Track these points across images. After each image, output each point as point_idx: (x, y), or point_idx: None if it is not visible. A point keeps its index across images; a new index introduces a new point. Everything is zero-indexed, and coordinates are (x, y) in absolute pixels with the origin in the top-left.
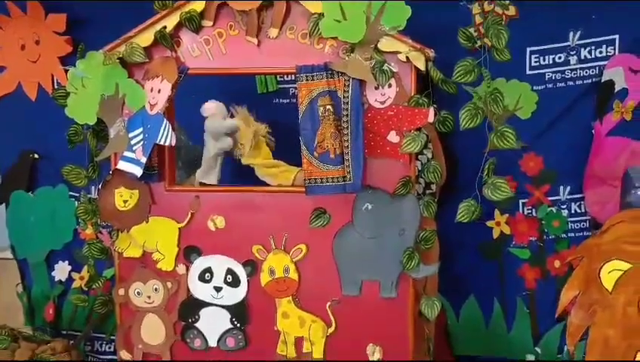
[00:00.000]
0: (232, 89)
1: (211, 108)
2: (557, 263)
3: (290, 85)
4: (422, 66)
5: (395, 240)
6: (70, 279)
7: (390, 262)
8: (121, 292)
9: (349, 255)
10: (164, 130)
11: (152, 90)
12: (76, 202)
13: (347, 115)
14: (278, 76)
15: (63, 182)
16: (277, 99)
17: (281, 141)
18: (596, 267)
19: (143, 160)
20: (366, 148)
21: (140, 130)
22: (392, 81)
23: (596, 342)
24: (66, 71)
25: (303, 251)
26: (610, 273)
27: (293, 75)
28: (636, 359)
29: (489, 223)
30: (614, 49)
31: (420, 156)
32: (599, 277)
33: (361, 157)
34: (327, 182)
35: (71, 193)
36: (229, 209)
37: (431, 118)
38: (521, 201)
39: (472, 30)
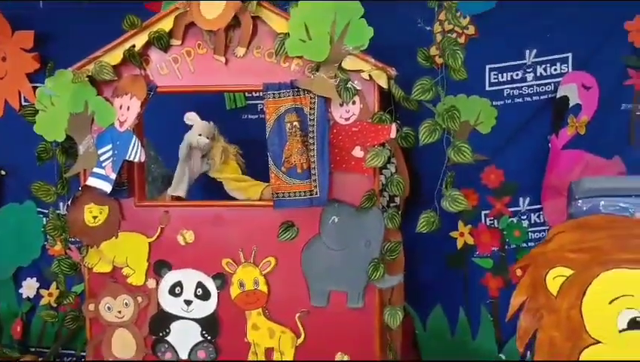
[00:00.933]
0: (201, 105)
1: (193, 118)
2: (519, 272)
3: (259, 101)
4: (384, 84)
5: (361, 252)
6: (38, 296)
7: (357, 273)
8: (92, 307)
9: (317, 267)
10: (133, 146)
11: (121, 107)
12: (44, 218)
13: (313, 131)
14: (246, 93)
15: (30, 199)
16: (246, 115)
17: (251, 156)
18: (542, 274)
19: (113, 176)
20: (332, 163)
21: (110, 146)
22: (356, 99)
23: (543, 343)
24: (34, 88)
25: (271, 264)
26: (555, 279)
27: (261, 92)
28: (580, 359)
29: (453, 234)
30: (567, 66)
31: (383, 170)
32: (545, 283)
33: (327, 171)
34: (295, 196)
35: (39, 209)
36: (199, 223)
37: (393, 134)
38: (483, 213)
39: (434, 49)
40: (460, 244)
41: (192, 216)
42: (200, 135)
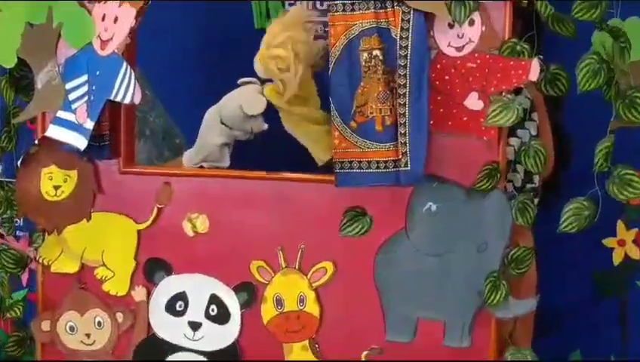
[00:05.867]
0: (218, 23)
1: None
2: None
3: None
4: None
5: (470, 261)
6: None
7: (461, 294)
8: (46, 326)
9: (399, 280)
10: (123, 78)
11: (103, 18)
12: None
13: (405, 67)
14: (287, 2)
15: None
16: None
17: None
18: None
19: (89, 125)
20: (432, 117)
21: (84, 78)
22: (476, 16)
23: None
24: None
25: (328, 272)
26: None
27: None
28: None
29: (607, 242)
30: None
31: (518, 132)
32: None
33: (425, 131)
34: (371, 167)
35: None
36: (217, 204)
37: (534, 75)
38: None
39: None
40: (617, 258)
41: (208, 191)
42: (252, 116)
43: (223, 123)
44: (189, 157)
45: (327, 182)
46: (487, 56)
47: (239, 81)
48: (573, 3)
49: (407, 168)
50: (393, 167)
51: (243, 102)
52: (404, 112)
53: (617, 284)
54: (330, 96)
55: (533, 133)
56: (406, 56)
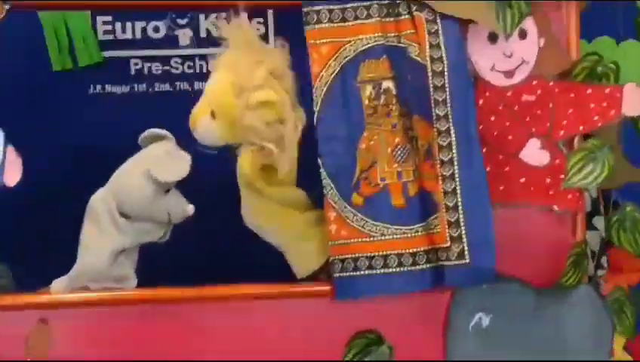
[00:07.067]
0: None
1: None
2: None
3: (136, 52)
4: None
5: None
6: None
7: None
8: None
9: None
10: None
11: None
12: None
13: (445, 103)
14: (101, 30)
15: None
16: (98, 87)
17: None
18: None
19: None
20: None
21: None
22: (528, 24)
23: None
24: None
25: None
26: None
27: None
28: None
29: None
30: None
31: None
32: None
33: (487, 200)
34: (388, 265)
35: None
36: (131, 347)
37: (634, 107)
38: None
39: None
40: None
41: (113, 328)
42: (167, 187)
43: (120, 213)
44: (64, 283)
45: (318, 295)
46: (552, 84)
47: (141, 137)
48: None
49: (463, 262)
50: (426, 262)
51: (151, 165)
52: (452, 173)
53: None
54: (319, 158)
55: (594, 195)
56: (443, 86)
